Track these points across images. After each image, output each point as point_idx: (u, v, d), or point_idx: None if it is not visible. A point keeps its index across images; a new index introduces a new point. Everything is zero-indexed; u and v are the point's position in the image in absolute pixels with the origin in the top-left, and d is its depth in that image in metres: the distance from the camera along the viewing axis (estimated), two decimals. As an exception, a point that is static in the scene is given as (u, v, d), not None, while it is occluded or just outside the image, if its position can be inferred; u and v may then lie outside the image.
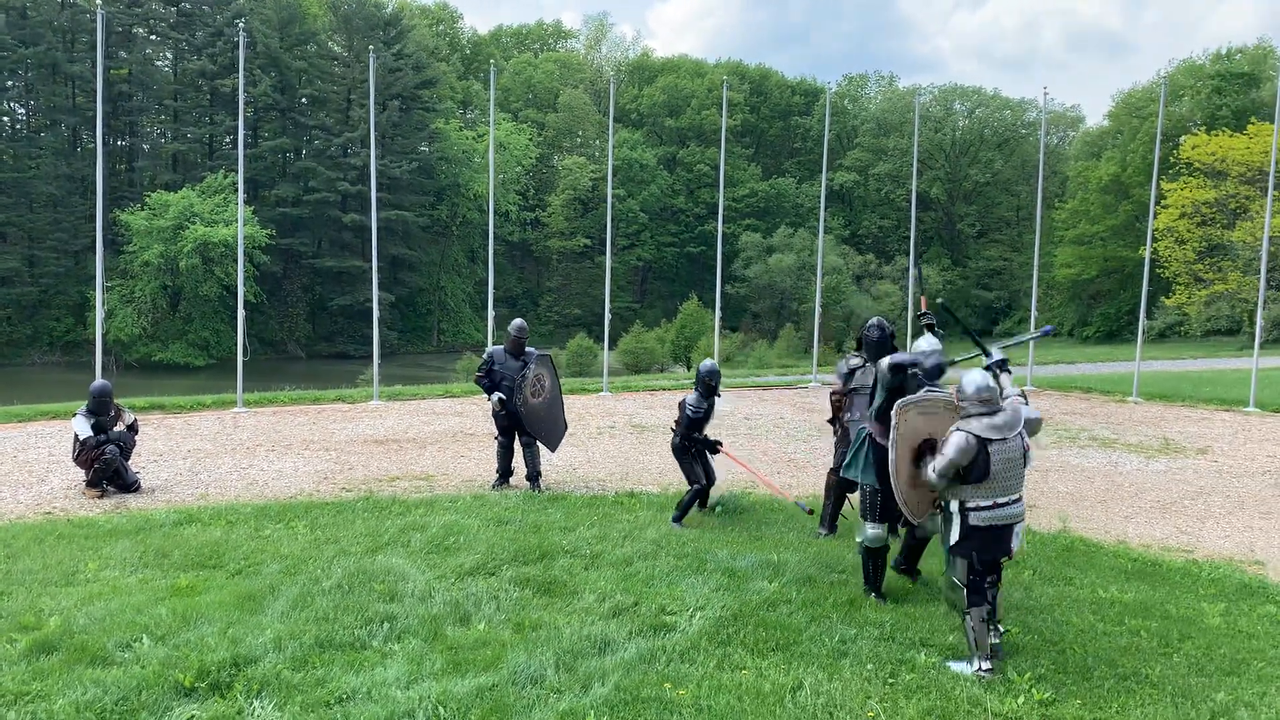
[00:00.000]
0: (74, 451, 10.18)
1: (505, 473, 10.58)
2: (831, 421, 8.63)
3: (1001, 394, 5.89)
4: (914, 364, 6.32)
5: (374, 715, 4.54)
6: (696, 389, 9.00)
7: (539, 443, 10.58)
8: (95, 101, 16.22)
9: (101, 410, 10.29)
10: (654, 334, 45.57)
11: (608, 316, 20.88)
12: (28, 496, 9.98)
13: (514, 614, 5.97)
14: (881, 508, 6.50)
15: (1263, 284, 21.17)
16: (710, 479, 9.15)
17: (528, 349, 10.61)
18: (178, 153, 53.40)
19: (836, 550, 7.79)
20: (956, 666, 5.35)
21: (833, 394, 8.51)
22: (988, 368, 6.09)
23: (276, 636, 5.40)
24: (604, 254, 23.84)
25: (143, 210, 44.33)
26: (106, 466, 9.97)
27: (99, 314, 15.92)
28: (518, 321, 10.75)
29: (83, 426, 10.07)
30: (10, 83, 48.16)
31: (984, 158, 68.64)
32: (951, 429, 5.58)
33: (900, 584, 6.83)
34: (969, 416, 5.52)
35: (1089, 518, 9.99)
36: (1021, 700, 4.97)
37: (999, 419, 5.49)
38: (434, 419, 15.99)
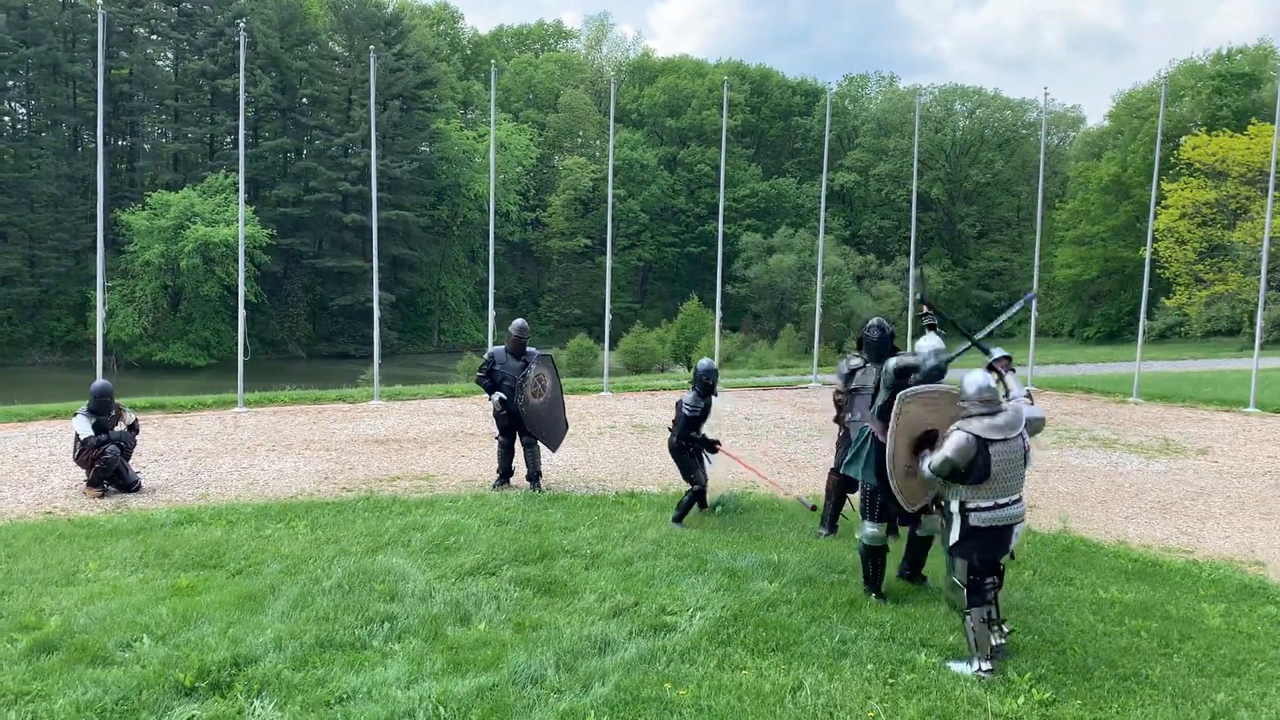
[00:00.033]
0: (75, 451, 10.19)
1: (506, 473, 10.58)
2: (838, 420, 8.63)
3: (1007, 393, 5.88)
4: (917, 369, 6.33)
5: (374, 715, 4.54)
6: (693, 388, 8.96)
7: (540, 443, 10.58)
8: (96, 101, 16.23)
9: (102, 410, 10.29)
10: (654, 334, 45.57)
11: (608, 317, 20.89)
12: (28, 496, 9.98)
13: (514, 614, 5.97)
14: (881, 507, 6.51)
15: (1263, 285, 21.18)
16: (703, 485, 9.07)
17: (529, 349, 10.62)
18: (178, 152, 53.42)
19: (837, 550, 7.79)
20: (957, 667, 5.35)
21: (836, 394, 8.52)
22: (990, 367, 6.09)
23: (277, 636, 5.41)
24: (604, 254, 23.84)
25: (143, 210, 44.36)
26: (107, 466, 9.97)
27: (100, 314, 15.92)
28: (519, 321, 10.75)
29: (83, 426, 10.07)
30: (11, 82, 48.18)
31: (984, 158, 68.65)
32: (952, 427, 5.58)
33: (900, 584, 6.83)
34: (970, 417, 5.52)
35: (1089, 518, 9.99)
36: (1022, 700, 4.97)
37: (1000, 419, 5.48)
38: (434, 419, 15.99)
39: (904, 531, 7.18)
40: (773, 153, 74.50)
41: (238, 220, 21.07)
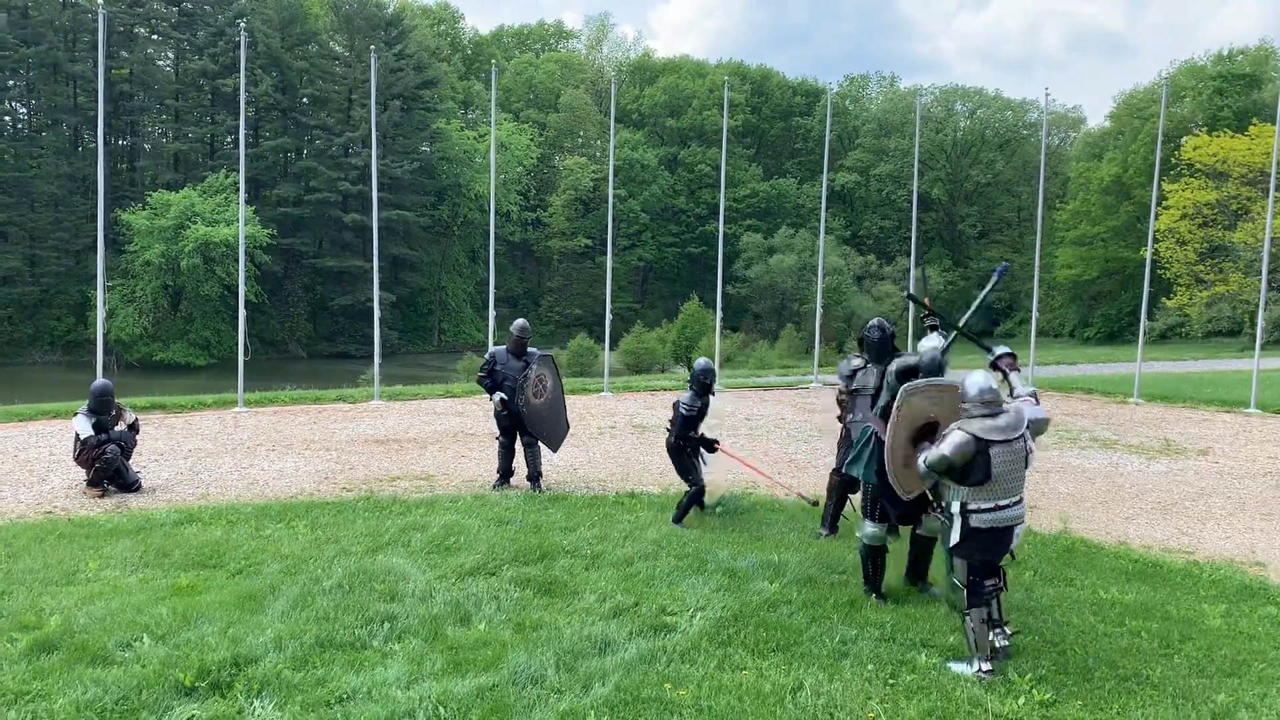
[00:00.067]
0: (75, 451, 10.19)
1: (506, 473, 10.58)
2: (841, 420, 8.64)
3: (1012, 392, 5.87)
4: (918, 370, 6.33)
5: (374, 715, 4.54)
6: (691, 387, 8.91)
7: (540, 443, 10.58)
8: (97, 101, 16.24)
9: (102, 410, 10.30)
10: (655, 334, 45.56)
11: (609, 317, 20.89)
12: (29, 496, 9.98)
13: (514, 614, 5.97)
14: (882, 507, 6.50)
15: (1264, 285, 21.18)
16: (703, 484, 9.01)
17: (530, 349, 10.62)
18: (179, 152, 53.44)
19: (837, 551, 7.78)
20: (957, 667, 5.34)
21: (839, 394, 8.53)
22: (993, 365, 6.08)
23: (277, 636, 5.40)
24: (605, 254, 23.85)
25: (144, 210, 44.36)
26: (107, 466, 9.97)
27: (100, 313, 15.93)
28: (520, 322, 10.75)
29: (84, 426, 10.08)
30: (12, 82, 48.19)
31: (985, 158, 68.65)
32: (952, 426, 5.57)
33: (901, 585, 6.82)
34: (971, 417, 5.51)
35: (1090, 519, 9.99)
36: (1022, 701, 4.96)
37: (1001, 420, 5.46)
38: (435, 419, 15.99)
39: (904, 532, 7.16)
40: (773, 153, 74.50)
41: (238, 220, 21.07)
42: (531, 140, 61.85)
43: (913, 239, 27.21)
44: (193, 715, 4.58)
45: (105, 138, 17.50)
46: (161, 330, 45.74)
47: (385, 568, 6.75)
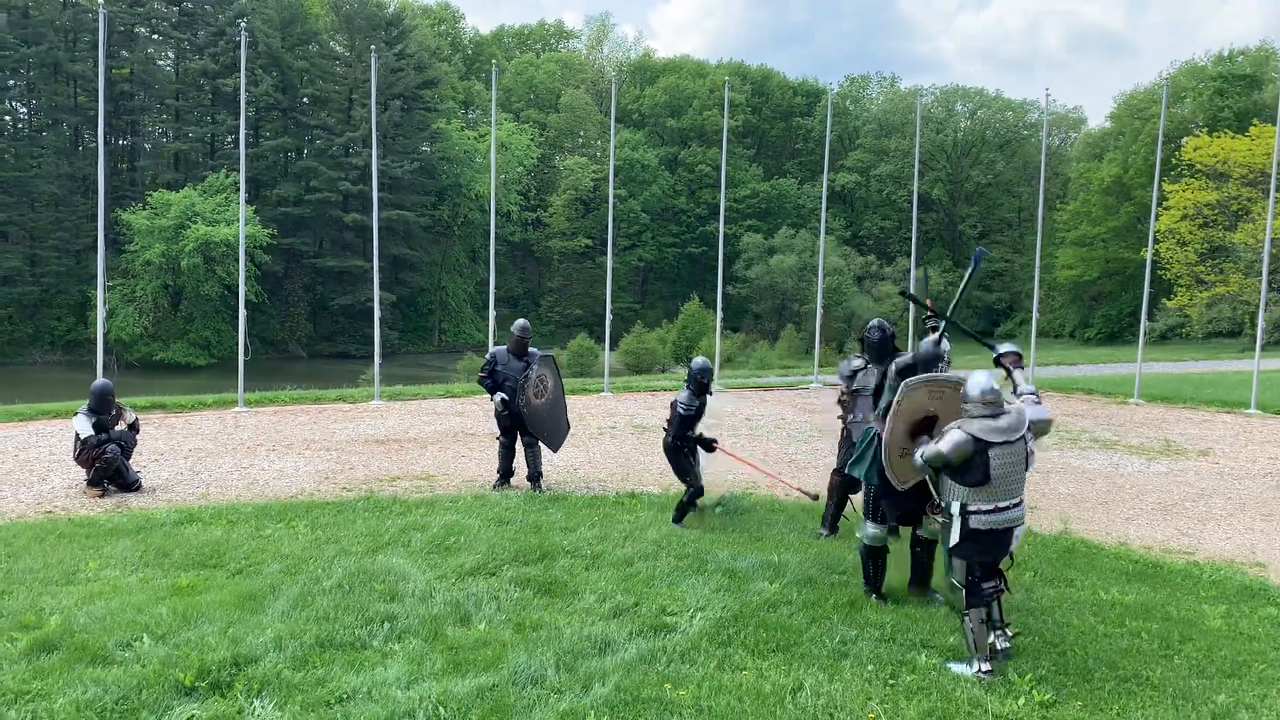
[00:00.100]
0: (75, 450, 10.19)
1: (506, 473, 10.58)
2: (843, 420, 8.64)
3: (1015, 390, 5.86)
4: (915, 367, 6.32)
5: (374, 715, 4.54)
6: (688, 387, 8.83)
7: (541, 443, 10.58)
8: (97, 101, 16.23)
9: (103, 409, 10.30)
10: (655, 334, 45.59)
11: (609, 317, 20.89)
12: (29, 495, 9.98)
13: (514, 614, 5.97)
14: (884, 508, 6.49)
15: (1264, 286, 21.20)
16: (700, 485, 8.91)
17: (531, 349, 10.62)
18: (179, 152, 53.44)
19: (838, 551, 7.78)
20: (957, 668, 5.34)
21: (840, 395, 8.53)
22: (996, 362, 6.08)
23: (277, 636, 5.40)
24: (605, 254, 23.85)
25: (144, 209, 44.36)
26: (107, 465, 9.97)
27: (100, 313, 15.94)
28: (521, 322, 10.75)
29: (84, 425, 10.08)
30: (12, 82, 48.19)
31: (985, 159, 68.64)
32: (952, 424, 5.57)
33: (901, 586, 6.81)
34: (971, 417, 5.51)
35: (1090, 519, 9.98)
36: (1022, 702, 4.96)
37: (1002, 422, 5.46)
38: (435, 419, 15.99)
39: (904, 533, 7.15)
40: (774, 153, 74.50)
41: (238, 220, 21.07)
42: (532, 140, 61.86)
43: (913, 239, 27.21)
44: (193, 715, 4.57)
45: (105, 137, 17.51)
46: (162, 330, 45.75)
47: (385, 568, 6.75)
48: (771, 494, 10.55)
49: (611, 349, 25.18)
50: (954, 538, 5.52)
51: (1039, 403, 5.79)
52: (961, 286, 6.78)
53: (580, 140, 69.46)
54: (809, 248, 51.59)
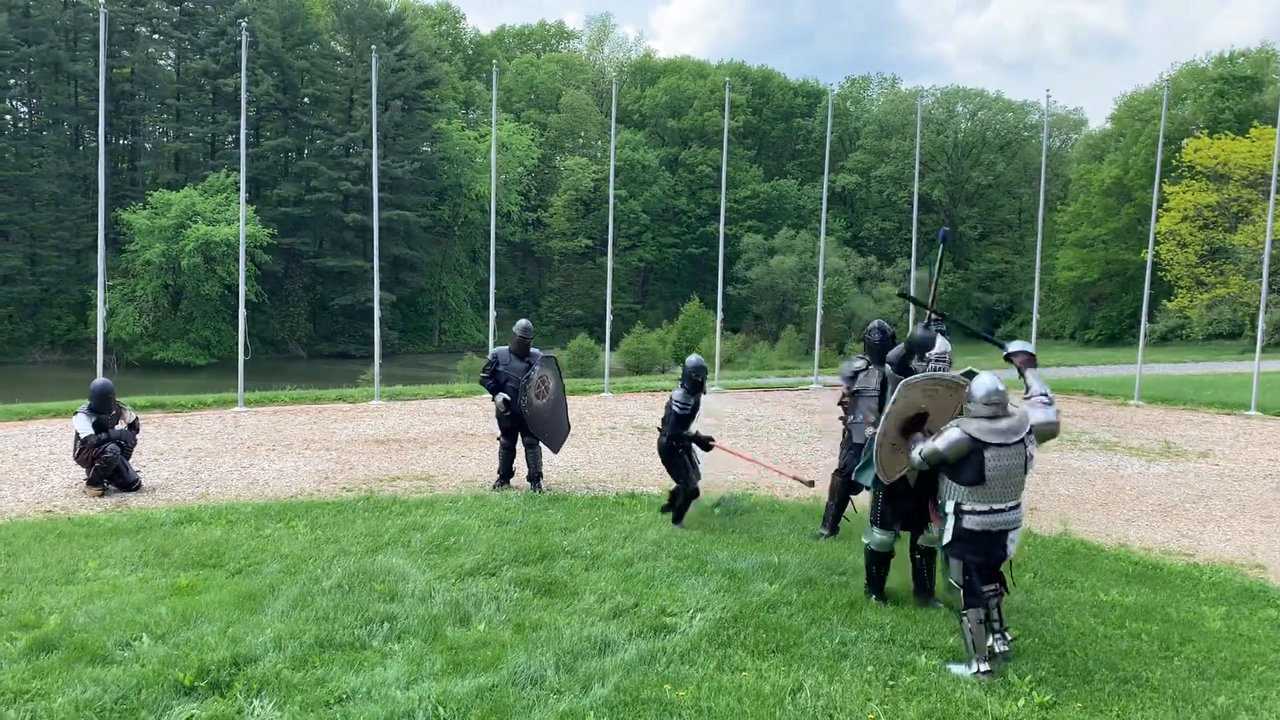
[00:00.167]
0: (75, 450, 10.19)
1: (506, 473, 10.57)
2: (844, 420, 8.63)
3: (1027, 391, 5.86)
4: (910, 349, 6.27)
5: (374, 715, 4.54)
6: (683, 385, 8.78)
7: (541, 444, 10.57)
8: (98, 100, 16.24)
9: (103, 408, 10.29)
10: (655, 335, 45.60)
11: (609, 317, 20.89)
12: (28, 495, 9.98)
13: (514, 614, 5.97)
14: (890, 512, 6.45)
15: (1265, 288, 21.22)
16: (694, 487, 8.84)
17: (533, 350, 10.62)
18: (180, 152, 53.44)
19: (837, 552, 7.78)
20: (957, 669, 5.34)
21: (842, 396, 8.53)
22: (1006, 359, 6.07)
23: (276, 636, 5.40)
24: (606, 255, 23.86)
25: (145, 209, 44.36)
26: (107, 465, 9.97)
27: (100, 312, 15.94)
28: (523, 322, 10.75)
29: (84, 425, 10.08)
30: (13, 81, 48.20)
31: (986, 160, 68.63)
32: (952, 423, 5.59)
33: (902, 587, 6.81)
34: (972, 417, 5.52)
35: (1090, 521, 9.98)
36: (1022, 703, 4.96)
37: (1002, 424, 5.45)
38: (435, 419, 15.99)
39: (904, 536, 7.14)
40: (774, 154, 74.50)
41: (239, 219, 21.07)
42: (532, 140, 61.86)
43: (913, 240, 27.21)
44: (192, 715, 4.57)
45: (106, 137, 17.50)
46: (162, 329, 45.75)
47: (385, 568, 6.75)
48: (771, 494, 10.55)
49: (612, 349, 25.18)
50: (947, 535, 5.54)
51: (1050, 404, 5.76)
52: (934, 267, 6.77)
53: (581, 141, 69.46)
54: (809, 249, 51.58)
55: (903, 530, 6.76)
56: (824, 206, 24.49)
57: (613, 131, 23.55)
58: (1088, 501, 10.96)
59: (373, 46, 26.25)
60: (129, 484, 10.16)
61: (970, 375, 5.95)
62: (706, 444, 8.90)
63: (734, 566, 7.07)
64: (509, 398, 10.29)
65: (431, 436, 14.21)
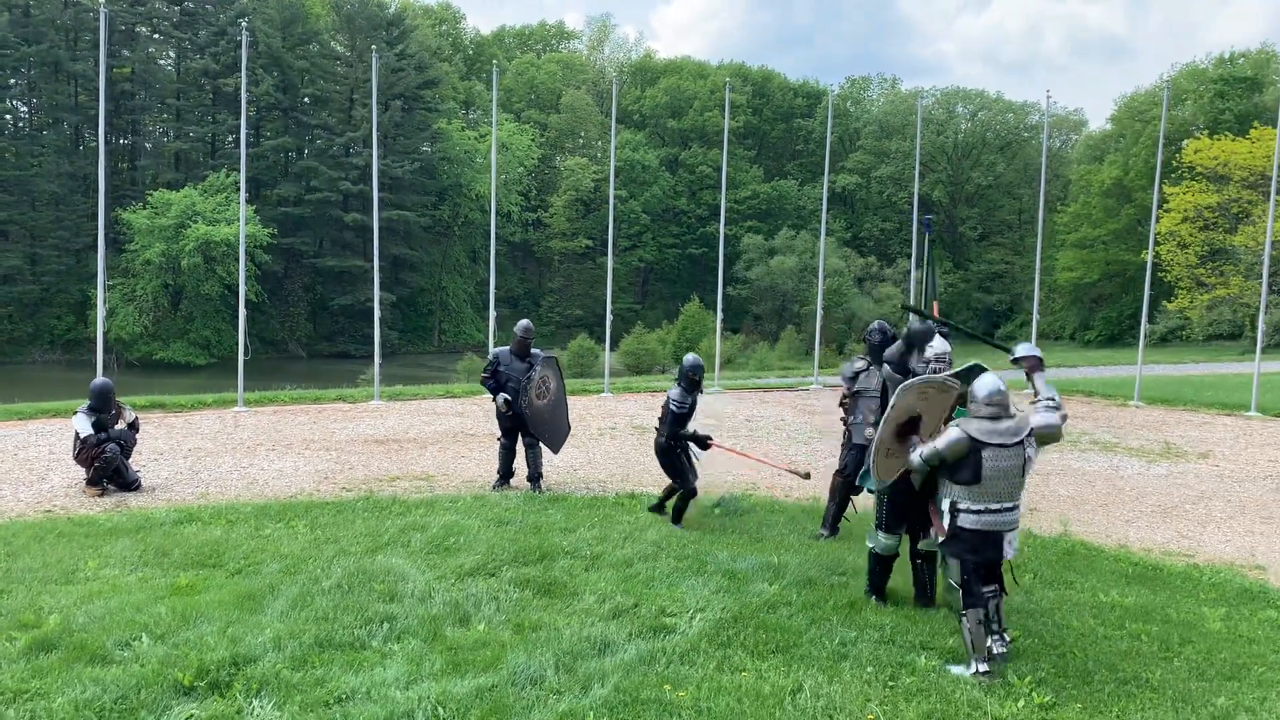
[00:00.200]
0: (75, 449, 10.19)
1: (506, 474, 10.57)
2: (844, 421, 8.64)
3: (1035, 396, 5.87)
4: (909, 346, 6.25)
5: (373, 715, 4.54)
6: (679, 384, 8.77)
7: (542, 444, 10.57)
8: (98, 100, 16.25)
9: (103, 408, 10.29)
10: (655, 335, 45.58)
11: (609, 317, 20.89)
12: (28, 494, 9.98)
13: (514, 615, 5.96)
14: (895, 516, 6.42)
15: (1265, 289, 21.23)
16: (692, 486, 8.83)
17: (534, 350, 10.62)
18: (180, 151, 53.44)
19: (837, 552, 7.78)
20: (957, 670, 5.34)
21: (842, 397, 8.54)
22: (1013, 363, 6.07)
23: (276, 636, 5.40)
24: (606, 255, 23.86)
25: (145, 209, 44.35)
26: (107, 465, 9.97)
27: (100, 312, 15.94)
28: (524, 323, 10.75)
29: (84, 424, 10.07)
30: (13, 81, 48.19)
31: (986, 161, 68.64)
32: (952, 424, 5.62)
33: (902, 587, 6.81)
34: (972, 417, 5.54)
35: (1090, 521, 9.98)
36: (1022, 704, 4.96)
37: (1002, 425, 5.47)
38: (435, 419, 15.99)
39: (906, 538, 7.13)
40: (774, 154, 74.50)
41: (239, 219, 21.07)
42: (532, 141, 61.86)
43: (913, 241, 27.21)
44: (191, 715, 4.57)
45: (106, 137, 17.50)
46: (161, 329, 45.74)
47: (384, 568, 6.75)
48: (771, 495, 10.55)
49: (612, 350, 25.19)
50: (943, 534, 5.57)
51: (1056, 408, 5.75)
52: (925, 257, 6.75)
53: (581, 141, 69.46)
54: (809, 249, 51.57)
55: (905, 533, 6.77)
56: (824, 207, 24.49)
57: (613, 132, 23.56)
58: (1088, 502, 10.96)
59: (373, 46, 26.26)
60: (128, 484, 10.16)
61: (976, 370, 5.95)
62: (704, 443, 8.88)
63: (734, 567, 7.07)
64: (510, 398, 10.29)
65: (431, 436, 14.21)
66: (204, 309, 46.51)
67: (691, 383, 8.75)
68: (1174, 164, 40.26)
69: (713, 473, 9.76)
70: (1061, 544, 8.74)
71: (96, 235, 16.48)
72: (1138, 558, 8.52)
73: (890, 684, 5.12)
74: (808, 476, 9.29)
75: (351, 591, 6.24)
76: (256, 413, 16.25)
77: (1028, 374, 6.02)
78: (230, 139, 51.68)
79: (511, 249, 62.43)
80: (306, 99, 54.58)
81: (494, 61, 29.08)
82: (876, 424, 6.53)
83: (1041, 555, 8.20)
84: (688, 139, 69.75)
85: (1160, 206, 32.88)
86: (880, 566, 6.53)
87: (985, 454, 5.40)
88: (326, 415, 16.18)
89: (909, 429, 5.99)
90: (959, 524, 5.49)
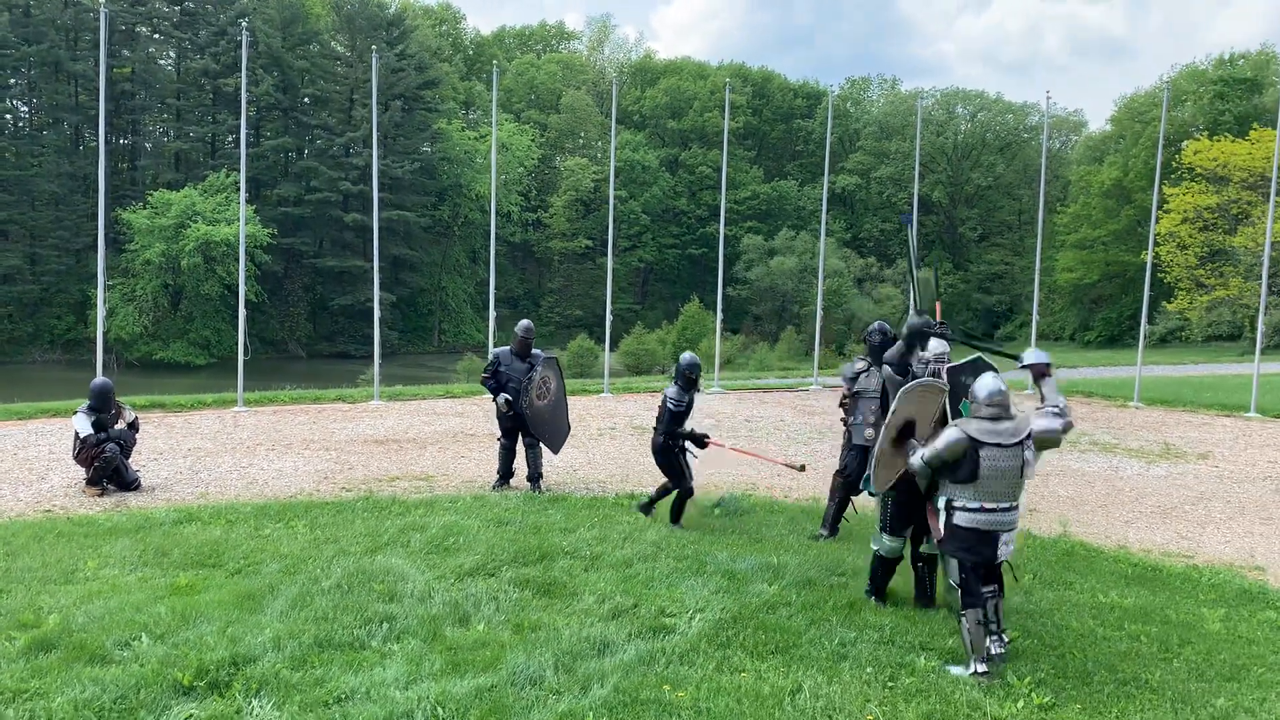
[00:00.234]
0: (74, 449, 10.18)
1: (506, 474, 10.57)
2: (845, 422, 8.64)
3: (1042, 402, 5.88)
4: (911, 341, 6.23)
5: (373, 715, 4.53)
6: (676, 382, 8.76)
7: (542, 444, 10.57)
8: (98, 100, 16.25)
9: (102, 408, 10.29)
10: (655, 335, 45.58)
11: (609, 318, 20.90)
12: (28, 494, 9.98)
13: (513, 615, 5.96)
14: (902, 520, 6.42)
15: (1264, 289, 21.22)
16: (689, 486, 8.81)
17: (534, 350, 10.62)
18: (180, 151, 53.43)
19: (837, 553, 7.78)
20: (956, 670, 5.35)
21: (843, 397, 8.54)
22: (1023, 368, 6.08)
23: (275, 636, 5.40)
24: (606, 255, 23.86)
25: (145, 209, 44.34)
26: (107, 464, 9.96)
27: (100, 312, 15.95)
28: (525, 323, 10.75)
29: (83, 424, 10.07)
30: (13, 80, 48.17)
31: (986, 161, 68.65)
32: (951, 424, 5.64)
33: (902, 588, 6.81)
34: (972, 416, 5.56)
35: (1089, 522, 9.98)
36: (1021, 704, 4.96)
37: (1001, 425, 5.49)
38: (434, 419, 15.99)
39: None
40: (774, 155, 74.50)
41: (239, 219, 21.07)
42: (532, 141, 61.86)
43: (913, 242, 27.18)
44: (191, 714, 4.57)
45: (106, 137, 17.50)
46: (161, 329, 45.73)
47: (384, 568, 6.75)
48: (771, 495, 10.55)
49: (611, 350, 25.19)
50: (939, 532, 5.59)
51: (1060, 415, 5.74)
52: (911, 255, 6.77)
53: (581, 141, 69.46)
54: (809, 249, 51.56)
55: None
56: (824, 207, 24.50)
57: (613, 132, 23.57)
58: (1087, 503, 10.96)
59: (373, 46, 26.26)
60: (128, 483, 10.16)
61: (978, 365, 5.96)
62: (702, 441, 8.86)
63: (733, 567, 7.07)
64: (511, 398, 10.29)
65: (431, 437, 14.21)
66: (204, 309, 46.50)
67: (688, 381, 8.73)
68: (1174, 165, 40.27)
69: (710, 472, 9.76)
70: (1061, 545, 8.74)
71: (96, 235, 16.48)
72: (1137, 559, 8.52)
73: (890, 684, 5.12)
74: (803, 469, 9.30)
75: (351, 591, 6.24)
76: (256, 413, 16.25)
77: (1036, 380, 6.02)
78: (230, 139, 51.67)
79: (511, 249, 62.43)
80: (306, 99, 54.58)
81: (494, 62, 29.11)
82: (876, 425, 6.54)
83: (1041, 556, 8.20)
84: (688, 139, 69.75)
85: (1160, 207, 32.90)
86: (883, 569, 6.53)
87: (983, 453, 5.42)
88: (326, 415, 16.19)
89: (906, 434, 6.01)
90: (954, 521, 5.52)
